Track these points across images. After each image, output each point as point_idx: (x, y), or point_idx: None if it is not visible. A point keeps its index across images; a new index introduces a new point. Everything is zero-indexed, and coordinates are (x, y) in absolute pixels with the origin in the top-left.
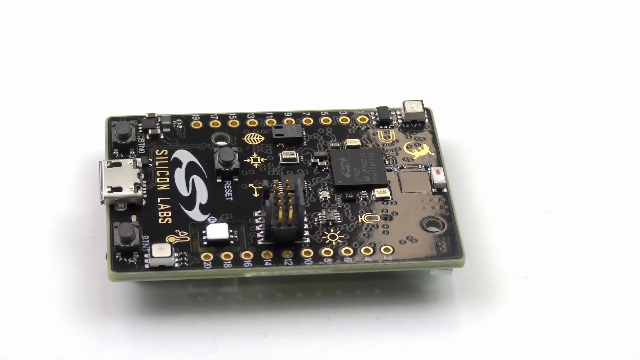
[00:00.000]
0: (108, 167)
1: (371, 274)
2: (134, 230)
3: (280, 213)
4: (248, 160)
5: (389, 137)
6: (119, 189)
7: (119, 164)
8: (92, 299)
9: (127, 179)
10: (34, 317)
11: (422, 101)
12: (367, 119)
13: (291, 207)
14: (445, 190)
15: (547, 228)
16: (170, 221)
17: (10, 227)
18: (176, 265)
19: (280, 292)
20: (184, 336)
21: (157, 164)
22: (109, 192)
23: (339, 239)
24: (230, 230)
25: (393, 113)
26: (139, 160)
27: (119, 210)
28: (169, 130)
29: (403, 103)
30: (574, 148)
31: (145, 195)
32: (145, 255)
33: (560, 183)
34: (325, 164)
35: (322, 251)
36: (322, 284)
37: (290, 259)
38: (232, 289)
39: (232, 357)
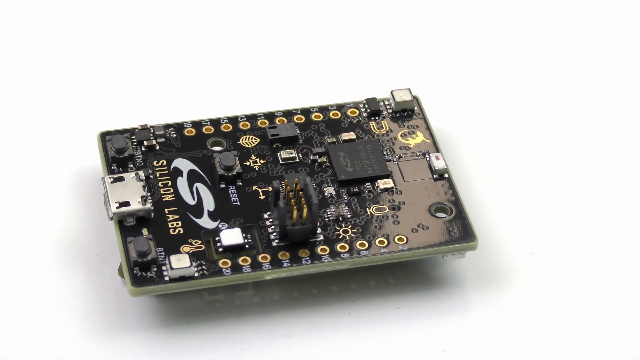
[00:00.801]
0: (112, 182)
1: (382, 264)
2: (149, 244)
3: (295, 213)
4: (248, 163)
5: (382, 127)
6: (127, 204)
7: (122, 179)
8: (110, 316)
9: (133, 192)
10: (54, 340)
11: (409, 89)
12: (358, 112)
13: (304, 205)
14: (446, 175)
15: (546, 204)
16: (181, 231)
17: (15, 251)
18: (196, 274)
19: (296, 291)
20: (209, 345)
21: (157, 175)
22: (117, 207)
23: (352, 233)
24: (244, 235)
25: (382, 103)
26: (141, 172)
27: (128, 225)
28: (163, 140)
29: (391, 92)
30: (567, 127)
31: (152, 208)
32: (163, 268)
33: (554, 161)
34: (325, 160)
35: (338, 247)
36: (336, 278)
37: (307, 258)
38: (248, 292)
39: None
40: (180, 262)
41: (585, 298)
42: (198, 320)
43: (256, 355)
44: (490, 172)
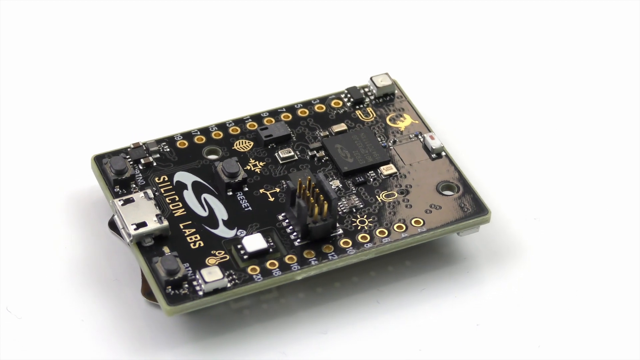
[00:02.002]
0: (122, 205)
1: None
2: (177, 261)
3: (316, 209)
4: (248, 167)
5: (369, 115)
6: (144, 224)
7: (131, 200)
8: (143, 338)
9: (147, 212)
10: None
11: (387, 73)
12: (341, 102)
13: (323, 202)
14: (443, 153)
15: (539, 172)
16: (202, 244)
17: (30, 288)
18: (229, 285)
19: (319, 286)
20: (249, 353)
21: (163, 192)
22: (135, 229)
23: (369, 222)
24: (265, 239)
25: (362, 91)
26: (149, 191)
27: (147, 246)
28: (158, 156)
29: (371, 79)
30: (547, 97)
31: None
32: (194, 283)
33: (538, 134)
34: (323, 154)
35: (359, 238)
36: (354, 268)
37: (332, 253)
38: (272, 295)
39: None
40: (212, 275)
41: (592, 257)
42: (230, 329)
43: (298, 356)
44: (477, 148)
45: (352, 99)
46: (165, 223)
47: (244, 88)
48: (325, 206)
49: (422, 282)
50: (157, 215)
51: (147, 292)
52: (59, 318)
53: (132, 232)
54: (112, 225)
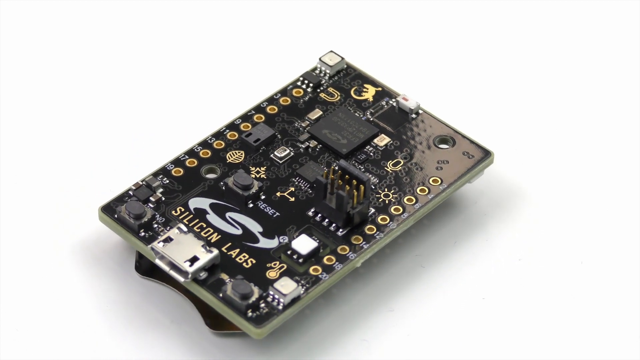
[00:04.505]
0: (164, 246)
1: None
2: (249, 285)
3: (355, 195)
4: (252, 175)
5: (333, 95)
6: (196, 259)
7: (169, 239)
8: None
9: (191, 246)
10: None
11: (332, 51)
12: (302, 90)
13: (359, 185)
14: (421, 111)
15: (522, 115)
16: (253, 261)
17: (84, 345)
18: (302, 292)
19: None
20: (332, 348)
21: (187, 222)
22: (190, 266)
23: (392, 195)
24: (312, 238)
25: (314, 74)
26: (181, 225)
27: (202, 279)
28: (162, 189)
29: (320, 59)
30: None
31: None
32: (269, 299)
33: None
34: (316, 143)
35: (392, 210)
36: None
37: (377, 232)
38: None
39: (388, 343)
40: (286, 286)
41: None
42: (301, 329)
43: (380, 341)
44: (438, 100)
45: (311, 84)
46: (215, 251)
47: (194, 101)
48: (362, 189)
49: (451, 236)
50: (202, 246)
51: (214, 324)
52: None
53: (189, 270)
54: (142, 269)
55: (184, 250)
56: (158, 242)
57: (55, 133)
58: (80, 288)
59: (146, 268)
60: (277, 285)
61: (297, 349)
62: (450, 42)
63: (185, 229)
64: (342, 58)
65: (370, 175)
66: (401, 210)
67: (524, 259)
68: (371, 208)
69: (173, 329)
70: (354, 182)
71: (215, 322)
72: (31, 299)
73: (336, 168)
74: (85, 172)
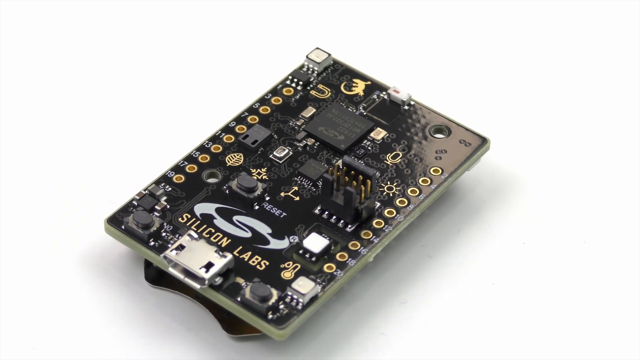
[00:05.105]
0: (177, 254)
1: None
2: (267, 287)
3: (363, 190)
4: (254, 177)
5: (324, 91)
6: (211, 264)
7: (182, 247)
8: None
9: (204, 252)
10: None
11: (318, 48)
12: (292, 89)
13: (366, 180)
14: (412, 102)
15: (511, 97)
16: (267, 263)
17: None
18: (320, 290)
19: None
20: (354, 343)
21: (194, 228)
22: (206, 272)
23: (395, 187)
24: (321, 236)
25: (302, 71)
26: (192, 232)
27: (217, 284)
28: (165, 197)
29: (307, 57)
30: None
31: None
32: (287, 300)
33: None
34: (313, 141)
35: (398, 203)
36: None
37: (385, 226)
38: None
39: (407, 335)
40: (304, 286)
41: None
42: (319, 330)
43: (398, 333)
44: (427, 91)
45: (300, 82)
46: (229, 255)
47: (182, 105)
48: (369, 184)
49: (452, 224)
50: (216, 252)
51: (231, 328)
52: None
53: (206, 276)
54: (152, 278)
55: (197, 256)
56: (170, 251)
57: (53, 140)
58: (90, 302)
59: (153, 277)
60: (295, 285)
61: (316, 347)
62: (434, 31)
63: (196, 235)
64: (329, 54)
65: (371, 169)
66: (406, 202)
67: (528, 243)
68: (376, 202)
69: (191, 336)
70: (360, 177)
71: (229, 326)
72: (43, 317)
73: (340, 165)
74: (81, 185)
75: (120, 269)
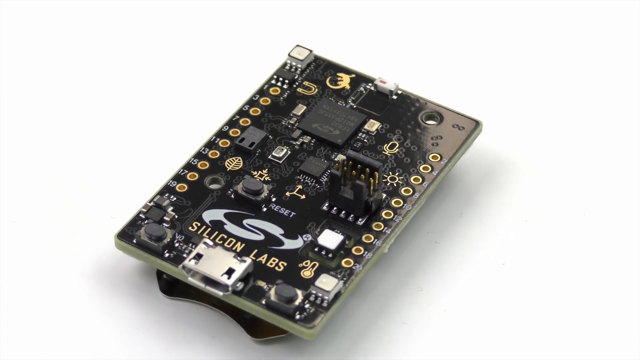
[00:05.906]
0: (196, 263)
1: None
2: (291, 288)
3: (371, 183)
4: (257, 179)
5: (311, 88)
6: (232, 270)
7: (200, 255)
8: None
9: (223, 259)
10: None
11: (298, 45)
12: (279, 88)
13: (374, 172)
14: (399, 91)
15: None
16: (284, 264)
17: None
18: (341, 285)
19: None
20: (378, 335)
21: (206, 236)
22: (228, 278)
23: (398, 177)
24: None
25: (285, 69)
26: (207, 240)
27: (239, 290)
28: (172, 207)
29: (289, 55)
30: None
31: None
32: (311, 298)
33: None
34: (309, 138)
35: (403, 192)
36: None
37: (394, 216)
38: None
39: (428, 321)
40: (328, 283)
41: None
42: (341, 325)
43: (419, 321)
44: (410, 79)
45: (286, 80)
46: (248, 259)
47: (168, 110)
48: (377, 176)
49: (453, 208)
50: (234, 257)
51: (255, 332)
52: None
53: (228, 282)
54: (165, 290)
55: (217, 264)
56: (189, 260)
57: (50, 148)
58: (106, 320)
59: (165, 288)
60: (318, 283)
61: (341, 342)
62: (412, 19)
63: (211, 243)
64: (311, 51)
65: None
66: (411, 191)
67: (530, 220)
68: (382, 193)
69: (216, 344)
70: (367, 170)
71: (252, 330)
72: (62, 342)
73: (345, 159)
74: (82, 199)
75: (133, 284)
